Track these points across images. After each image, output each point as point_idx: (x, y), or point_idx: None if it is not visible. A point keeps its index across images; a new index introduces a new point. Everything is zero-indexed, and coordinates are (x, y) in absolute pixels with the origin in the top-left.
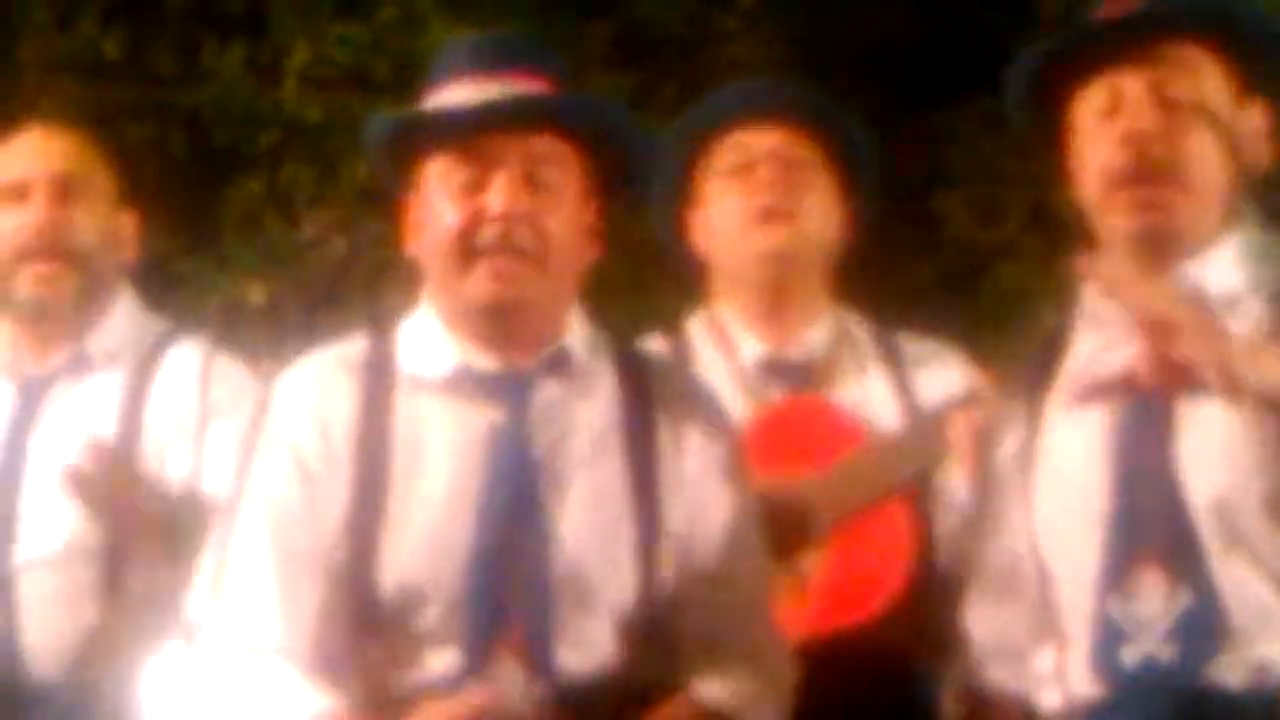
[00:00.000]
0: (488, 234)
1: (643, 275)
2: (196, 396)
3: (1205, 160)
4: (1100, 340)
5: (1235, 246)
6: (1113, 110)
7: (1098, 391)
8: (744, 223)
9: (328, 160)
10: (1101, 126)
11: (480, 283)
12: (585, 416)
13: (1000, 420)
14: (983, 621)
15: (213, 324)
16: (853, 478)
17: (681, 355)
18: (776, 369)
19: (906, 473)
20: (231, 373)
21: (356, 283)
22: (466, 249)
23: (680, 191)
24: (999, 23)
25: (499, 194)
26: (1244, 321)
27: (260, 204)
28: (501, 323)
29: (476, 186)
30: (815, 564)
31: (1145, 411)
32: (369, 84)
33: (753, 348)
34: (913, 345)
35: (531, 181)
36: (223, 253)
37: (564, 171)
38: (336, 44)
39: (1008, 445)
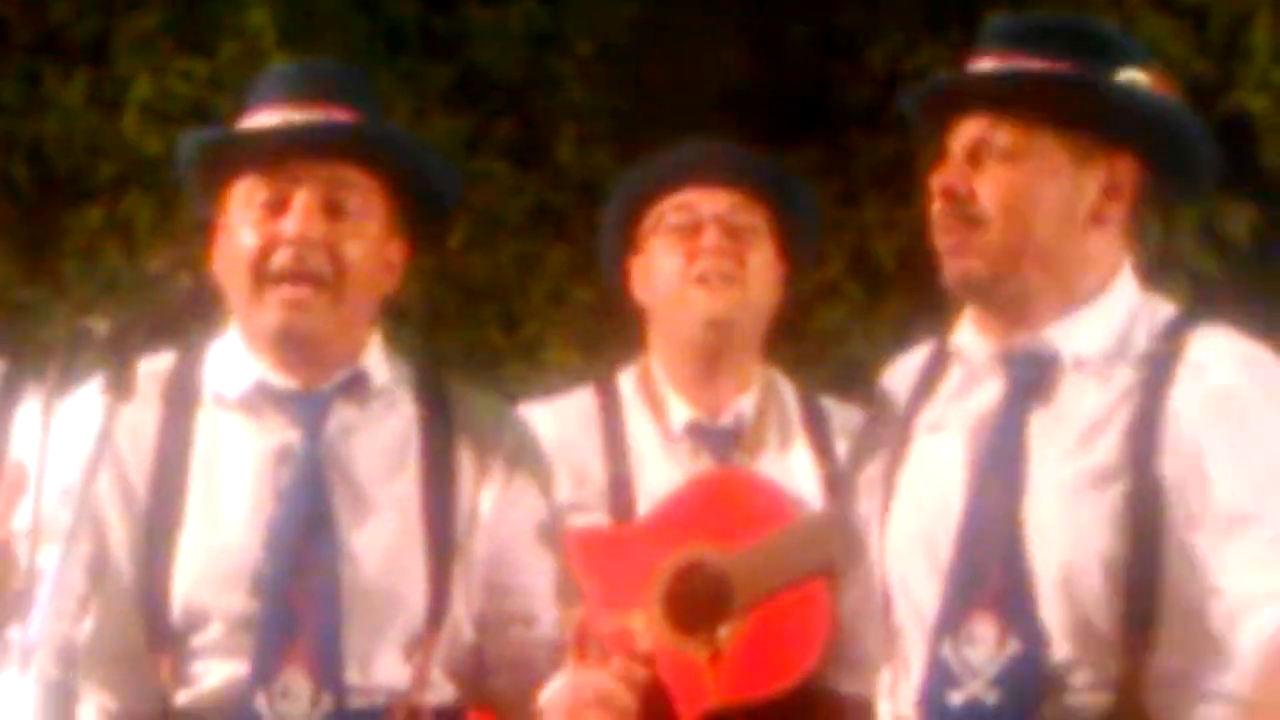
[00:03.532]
0: (281, 258)
1: (474, 309)
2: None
3: (1023, 211)
4: (961, 380)
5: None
6: (940, 164)
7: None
8: (685, 285)
9: (168, 193)
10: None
11: (271, 310)
12: (381, 437)
13: (869, 442)
14: (848, 634)
15: (57, 355)
16: (775, 557)
17: (611, 410)
18: (704, 435)
19: (831, 555)
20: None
21: (199, 316)
22: (261, 273)
23: (627, 239)
24: (829, 72)
25: (294, 218)
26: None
27: (100, 234)
28: (293, 349)
29: (275, 209)
30: (731, 637)
31: (998, 457)
32: (210, 118)
33: (682, 412)
34: (839, 412)
35: (330, 207)
36: (62, 281)
37: (366, 201)
38: (178, 78)
39: (871, 467)
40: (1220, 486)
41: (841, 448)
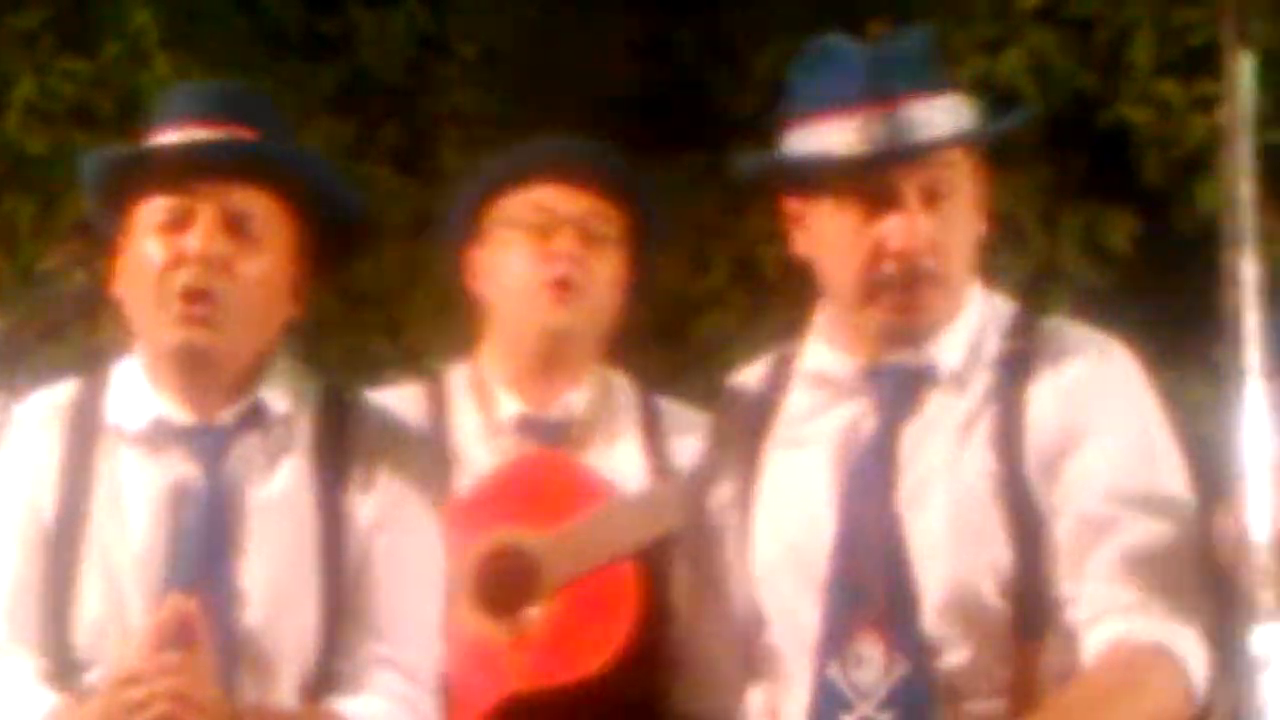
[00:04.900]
0: (183, 276)
1: (357, 316)
2: None
3: (964, 255)
4: (818, 397)
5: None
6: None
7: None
8: (535, 290)
9: (49, 193)
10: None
11: (171, 327)
12: (279, 472)
13: (716, 461)
14: (699, 657)
15: None
16: (586, 538)
17: (437, 404)
18: (531, 428)
19: (642, 537)
20: None
21: (86, 316)
22: (163, 290)
23: (471, 228)
24: (713, 80)
25: (197, 236)
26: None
27: None
28: (190, 369)
29: (177, 228)
30: (538, 619)
31: (871, 472)
32: (92, 119)
33: (511, 405)
34: (674, 413)
35: (232, 228)
36: None
37: (269, 224)
38: (61, 78)
39: (723, 491)
40: (1078, 489)
41: (674, 446)
